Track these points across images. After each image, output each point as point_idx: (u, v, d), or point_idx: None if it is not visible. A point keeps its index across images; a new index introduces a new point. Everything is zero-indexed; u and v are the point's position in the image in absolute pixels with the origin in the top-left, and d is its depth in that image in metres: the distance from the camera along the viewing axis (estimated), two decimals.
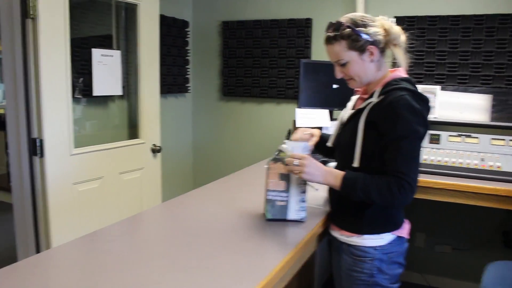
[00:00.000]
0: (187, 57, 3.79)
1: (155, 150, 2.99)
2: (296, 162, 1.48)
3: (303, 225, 1.61)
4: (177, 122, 3.84)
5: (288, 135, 2.87)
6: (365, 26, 1.46)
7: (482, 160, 2.39)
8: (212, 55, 3.85)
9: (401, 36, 1.50)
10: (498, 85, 2.88)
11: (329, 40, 1.51)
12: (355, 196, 1.43)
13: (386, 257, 1.53)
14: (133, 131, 2.97)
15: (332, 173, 1.50)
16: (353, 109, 1.65)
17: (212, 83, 3.90)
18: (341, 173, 1.47)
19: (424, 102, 1.44)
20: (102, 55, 2.60)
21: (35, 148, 2.25)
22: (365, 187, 1.41)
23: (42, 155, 2.25)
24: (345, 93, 3.00)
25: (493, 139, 2.45)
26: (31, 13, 2.14)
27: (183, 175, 4.00)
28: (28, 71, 2.20)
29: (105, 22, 2.84)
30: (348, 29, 1.45)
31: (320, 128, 2.36)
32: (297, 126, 2.84)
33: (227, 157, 3.94)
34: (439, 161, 2.44)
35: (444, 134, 2.54)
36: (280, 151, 1.58)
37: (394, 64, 1.63)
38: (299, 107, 2.91)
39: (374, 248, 1.52)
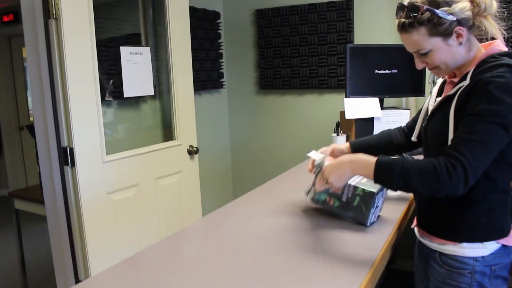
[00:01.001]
0: (220, 51, 3.58)
1: (192, 152, 2.81)
2: (322, 180, 1.35)
3: (380, 230, 1.42)
4: (213, 120, 3.65)
5: (337, 129, 2.61)
6: (448, 3, 1.16)
7: None
8: (246, 47, 3.64)
9: (493, 3, 1.20)
10: None
11: (404, 28, 1.22)
12: (393, 183, 1.17)
13: (489, 270, 1.26)
14: (167, 133, 2.80)
15: (357, 161, 1.26)
16: (439, 95, 1.38)
17: (248, 77, 3.68)
18: (372, 159, 1.22)
19: None
20: (131, 53, 2.43)
21: (66, 157, 2.11)
22: (404, 171, 1.15)
23: (73, 164, 2.11)
24: (398, 78, 2.75)
25: None
26: (54, 12, 2.02)
27: (222, 175, 3.81)
28: (53, 75, 2.07)
29: (132, 18, 2.69)
30: (427, 12, 1.17)
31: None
32: (346, 117, 2.58)
33: (268, 155, 3.72)
34: None
35: None
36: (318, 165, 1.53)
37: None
38: (347, 96, 2.65)
39: (475, 259, 1.26)
